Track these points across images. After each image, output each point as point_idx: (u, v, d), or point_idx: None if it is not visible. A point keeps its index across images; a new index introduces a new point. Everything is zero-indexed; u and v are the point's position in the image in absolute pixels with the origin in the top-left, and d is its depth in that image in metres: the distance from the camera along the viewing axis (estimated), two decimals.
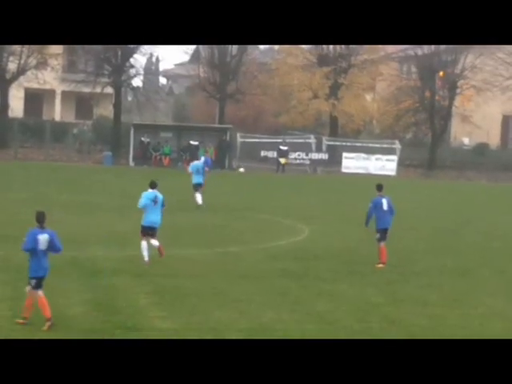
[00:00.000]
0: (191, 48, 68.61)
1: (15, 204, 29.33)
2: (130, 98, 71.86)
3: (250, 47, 63.68)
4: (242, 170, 55.23)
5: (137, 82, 70.47)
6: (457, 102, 62.86)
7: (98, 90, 59.04)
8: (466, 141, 69.12)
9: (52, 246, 13.60)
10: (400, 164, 59.14)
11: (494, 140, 68.65)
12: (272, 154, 57.91)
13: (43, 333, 12.79)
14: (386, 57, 63.84)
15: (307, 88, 62.27)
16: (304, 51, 62.19)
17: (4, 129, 58.44)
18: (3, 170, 46.36)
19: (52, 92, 68.51)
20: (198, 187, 31.27)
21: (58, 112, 69.56)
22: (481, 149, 65.09)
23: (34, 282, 13.46)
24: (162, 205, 19.68)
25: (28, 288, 13.56)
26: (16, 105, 64.31)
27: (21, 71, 57.96)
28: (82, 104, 70.13)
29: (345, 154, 58.70)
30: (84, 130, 62.19)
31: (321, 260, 20.85)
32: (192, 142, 55.63)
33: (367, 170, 57.48)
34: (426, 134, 65.52)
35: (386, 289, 17.59)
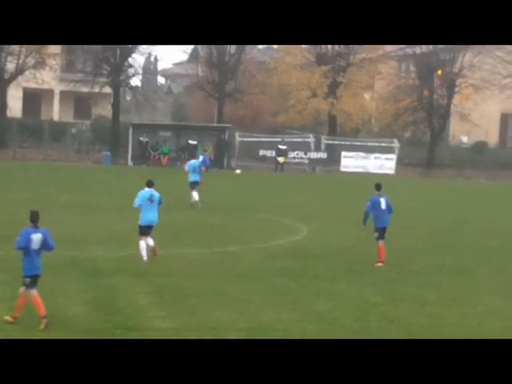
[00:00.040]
0: (189, 47, 68.68)
1: (15, 204, 29.32)
2: (128, 98, 71.84)
3: (249, 46, 63.67)
4: (238, 171, 51.92)
5: (135, 81, 70.64)
6: (455, 100, 62.90)
7: (97, 89, 59.05)
8: (464, 139, 69.18)
9: (45, 245, 13.65)
10: (399, 163, 59.18)
11: (493, 138, 68.71)
12: (271, 154, 57.93)
13: (43, 333, 12.80)
14: (385, 55, 63.89)
15: (306, 87, 62.28)
16: (302, 50, 62.21)
17: (2, 129, 58.43)
18: (2, 170, 46.37)
19: (50, 92, 68.50)
20: (194, 185, 31.34)
21: (56, 112, 69.54)
22: (479, 147, 65.14)
23: (28, 280, 13.50)
24: (159, 203, 19.71)
25: (22, 289, 13.58)
26: (14, 105, 64.31)
27: (19, 71, 57.96)
28: (80, 104, 70.11)
29: (343, 153, 58.71)
30: (82, 130, 62.18)
31: (320, 259, 20.87)
32: (191, 142, 55.64)
33: (366, 169, 57.50)
34: (424, 133, 65.58)
35: (384, 288, 17.62)
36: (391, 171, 57.73)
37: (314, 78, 61.57)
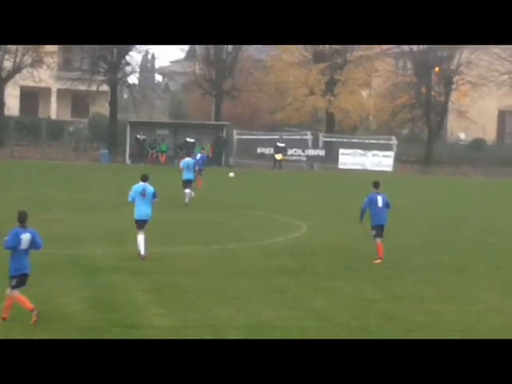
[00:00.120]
0: (187, 45, 68.63)
1: (13, 203, 29.31)
2: (125, 96, 71.77)
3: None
4: (231, 174, 46.35)
5: (132, 79, 70.49)
6: (453, 97, 62.95)
7: (94, 87, 59.03)
8: (462, 136, 69.22)
9: (33, 244, 13.70)
10: (396, 160, 59.22)
11: (490, 135, 68.76)
12: (269, 151, 57.95)
13: (42, 332, 12.80)
14: (382, 53, 63.89)
15: (303, 84, 62.29)
16: (299, 48, 62.17)
17: (0, 127, 58.39)
18: (0, 168, 46.34)
19: (48, 90, 68.47)
20: (187, 183, 31.43)
21: (53, 110, 69.52)
22: (477, 144, 65.19)
23: (14, 281, 13.51)
24: (153, 197, 19.76)
25: (8, 290, 13.57)
26: (12, 103, 64.27)
27: (16, 69, 57.93)
28: (77, 102, 70.09)
29: (341, 151, 58.74)
30: (80, 128, 62.17)
31: (318, 256, 20.90)
32: (188, 139, 55.65)
33: (364, 166, 57.54)
34: (422, 130, 65.62)
35: (382, 285, 17.64)
36: (389, 168, 57.76)
37: (311, 75, 61.57)
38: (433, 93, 62.75)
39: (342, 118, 63.33)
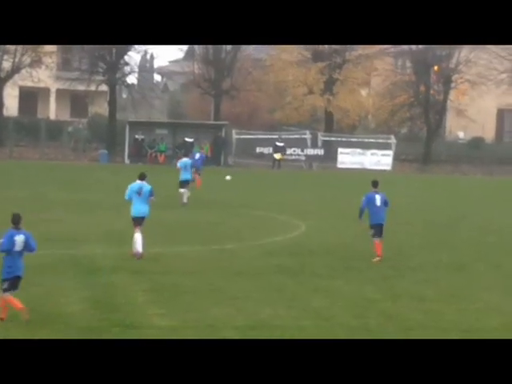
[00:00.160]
0: (186, 45, 68.60)
1: (13, 203, 29.31)
2: (124, 96, 71.77)
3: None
4: (228, 177, 44.27)
5: (131, 79, 70.44)
6: (451, 96, 62.97)
7: (93, 87, 59.04)
8: (461, 135, 69.23)
9: (27, 246, 13.66)
10: (395, 159, 59.25)
11: (489, 134, 68.78)
12: (268, 151, 57.96)
13: (42, 333, 12.79)
14: (381, 52, 63.91)
15: (302, 84, 62.30)
16: (298, 47, 62.13)
17: None
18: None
19: (47, 90, 68.45)
20: (183, 184, 31.41)
21: (52, 110, 69.51)
22: (476, 143, 65.21)
23: (6, 284, 13.47)
24: (150, 195, 19.80)
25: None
26: (10, 103, 64.26)
27: (15, 69, 57.93)
28: (76, 102, 70.08)
29: (340, 150, 58.76)
30: (79, 128, 62.15)
31: (317, 256, 20.90)
32: (187, 139, 55.66)
33: (363, 165, 57.56)
34: (421, 129, 65.64)
35: (382, 284, 17.64)
36: (388, 167, 57.78)
37: (310, 74, 61.58)
38: (432, 91, 62.77)
39: (340, 117, 63.35)
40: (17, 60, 57.50)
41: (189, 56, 68.80)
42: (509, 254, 22.52)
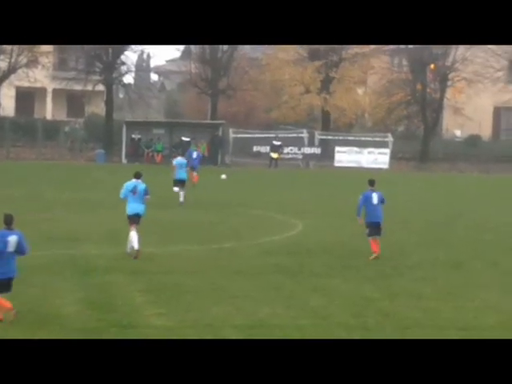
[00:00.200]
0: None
1: (10, 202, 29.29)
2: (121, 95, 71.78)
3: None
4: (223, 176, 44.71)
5: (128, 79, 70.51)
6: (448, 94, 62.99)
7: (90, 87, 59.01)
8: (457, 133, 69.27)
9: (20, 248, 13.59)
10: (392, 157, 59.26)
11: (486, 131, 68.82)
12: (265, 150, 57.95)
13: (39, 334, 12.78)
14: (377, 50, 63.92)
15: (299, 83, 62.30)
16: (295, 46, 62.16)
17: None
18: None
19: (43, 90, 68.39)
20: (178, 183, 31.49)
21: (49, 110, 69.44)
22: (473, 140, 65.26)
23: None
24: (145, 193, 19.83)
25: None
26: (7, 103, 64.22)
27: (11, 70, 57.90)
28: (73, 102, 70.05)
29: (337, 148, 58.77)
30: (76, 128, 62.13)
31: (314, 255, 20.91)
32: (184, 139, 55.63)
33: (360, 164, 57.58)
34: (418, 127, 65.67)
35: (380, 283, 17.65)
36: (385, 166, 57.80)
37: (306, 73, 61.58)
38: (428, 90, 62.80)
39: (337, 116, 63.35)
40: (13, 60, 57.46)
41: (185, 55, 68.84)
42: (506, 252, 22.54)
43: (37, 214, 26.87)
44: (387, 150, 59.02)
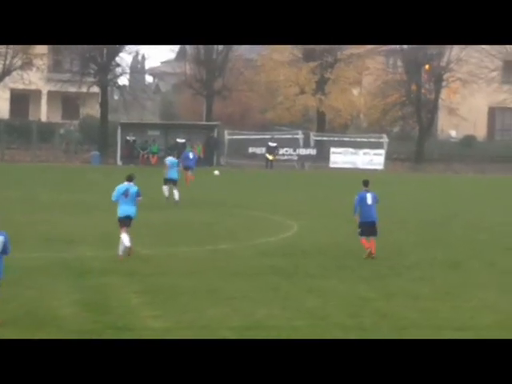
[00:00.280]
0: (177, 46, 68.60)
1: (6, 204, 29.21)
2: (116, 97, 71.71)
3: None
4: (216, 172, 47.14)
5: (123, 80, 70.42)
6: (443, 94, 63.04)
7: (84, 89, 58.95)
8: (453, 133, 69.33)
9: (4, 248, 13.49)
10: (388, 158, 59.28)
11: (481, 132, 68.90)
12: (260, 151, 57.92)
13: (37, 336, 12.71)
14: (372, 51, 63.97)
15: (294, 83, 62.30)
16: (290, 47, 62.13)
17: None
18: None
19: (38, 92, 68.27)
20: (168, 182, 31.79)
21: (44, 112, 69.32)
22: (468, 141, 65.32)
23: None
24: (137, 196, 19.79)
25: None
26: (2, 106, 64.15)
27: (6, 72, 57.81)
28: (68, 104, 69.94)
29: (332, 149, 58.76)
30: (71, 130, 62.05)
31: (310, 256, 20.87)
32: (179, 140, 55.60)
33: (355, 165, 57.57)
34: (413, 128, 65.70)
35: (376, 283, 17.62)
36: (380, 166, 57.81)
37: (301, 74, 61.58)
38: (423, 90, 62.85)
39: (332, 117, 63.36)
40: (7, 62, 57.37)
41: (180, 57, 68.80)
42: (502, 252, 22.54)
43: (32, 216, 26.81)
44: (382, 151, 59.03)
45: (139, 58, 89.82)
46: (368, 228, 20.58)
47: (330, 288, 17.04)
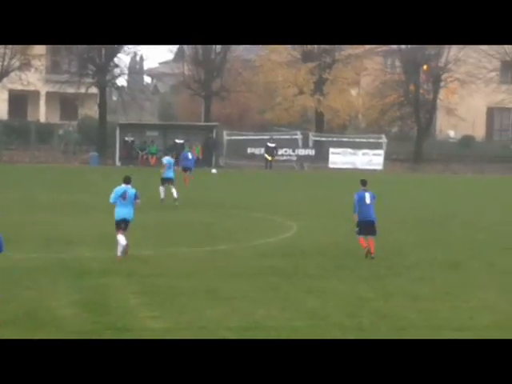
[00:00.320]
0: (175, 46, 68.58)
1: (4, 205, 29.20)
2: (114, 98, 71.65)
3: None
4: (214, 171, 49.05)
5: (121, 81, 70.36)
6: (441, 95, 63.06)
7: (83, 90, 58.90)
8: (451, 134, 69.34)
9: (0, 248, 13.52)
10: (386, 158, 59.28)
11: (479, 132, 68.93)
12: (259, 151, 57.90)
13: (36, 336, 12.71)
14: (370, 51, 63.98)
15: (292, 84, 62.29)
16: (288, 48, 62.16)
17: None
18: None
19: (36, 93, 68.21)
20: (165, 181, 31.97)
21: (42, 113, 69.27)
22: (466, 141, 65.34)
23: None
24: (135, 198, 19.78)
25: None
26: (0, 107, 64.05)
27: (4, 73, 57.78)
28: (66, 105, 69.88)
29: (331, 150, 58.76)
30: (69, 131, 62.01)
31: (309, 256, 20.86)
32: (177, 141, 55.59)
33: (354, 165, 57.57)
34: (411, 128, 65.72)
35: (376, 283, 17.61)
36: (379, 167, 57.81)
37: (300, 75, 61.58)
38: (421, 91, 62.86)
39: (331, 118, 63.36)
40: (6, 63, 57.34)
41: (178, 57, 68.74)
42: (502, 252, 22.55)
43: (31, 217, 26.80)
44: (381, 152, 59.03)
45: (137, 58, 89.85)
46: (366, 227, 20.61)
47: (330, 288, 17.03)
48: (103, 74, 58.90)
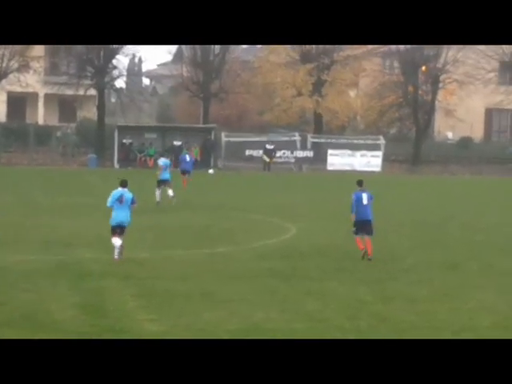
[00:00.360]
0: (174, 48, 68.61)
1: (3, 208, 29.18)
2: (113, 100, 71.60)
3: (233, 45, 63.63)
4: (211, 171, 49.79)
5: (120, 83, 70.31)
6: (440, 96, 63.03)
7: (81, 92, 58.86)
8: (449, 135, 69.32)
9: None
10: (385, 160, 59.26)
11: (478, 133, 68.89)
12: (257, 153, 57.87)
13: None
14: (369, 52, 63.95)
15: (290, 85, 62.26)
16: (286, 48, 62.13)
17: None
18: None
19: (35, 95, 68.19)
20: (161, 183, 32.14)
21: (41, 115, 69.24)
22: (464, 142, 65.31)
23: None
24: (132, 203, 19.74)
25: None
26: None
27: (3, 74, 57.74)
28: (65, 107, 69.84)
29: (330, 151, 58.72)
30: (68, 133, 61.96)
31: (308, 258, 20.85)
32: (176, 143, 55.56)
33: (352, 167, 57.54)
34: (410, 129, 65.67)
35: (375, 286, 17.58)
36: (378, 168, 57.79)
37: (298, 76, 61.56)
38: (420, 92, 62.84)
39: (329, 119, 63.32)
40: (4, 65, 57.31)
41: (177, 59, 68.73)
42: (500, 253, 22.54)
43: (30, 219, 26.77)
44: (380, 153, 59.00)
45: (136, 60, 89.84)
46: (363, 226, 20.61)
47: (329, 290, 17.01)
48: (102, 75, 58.87)
